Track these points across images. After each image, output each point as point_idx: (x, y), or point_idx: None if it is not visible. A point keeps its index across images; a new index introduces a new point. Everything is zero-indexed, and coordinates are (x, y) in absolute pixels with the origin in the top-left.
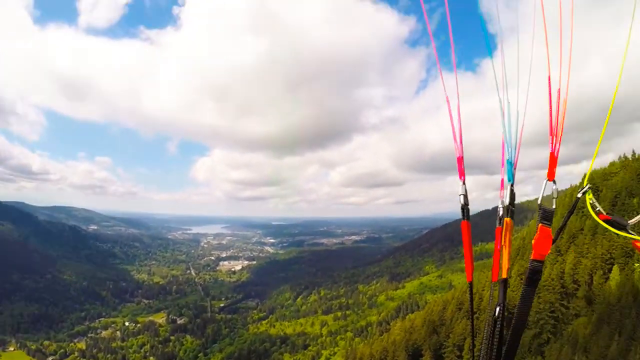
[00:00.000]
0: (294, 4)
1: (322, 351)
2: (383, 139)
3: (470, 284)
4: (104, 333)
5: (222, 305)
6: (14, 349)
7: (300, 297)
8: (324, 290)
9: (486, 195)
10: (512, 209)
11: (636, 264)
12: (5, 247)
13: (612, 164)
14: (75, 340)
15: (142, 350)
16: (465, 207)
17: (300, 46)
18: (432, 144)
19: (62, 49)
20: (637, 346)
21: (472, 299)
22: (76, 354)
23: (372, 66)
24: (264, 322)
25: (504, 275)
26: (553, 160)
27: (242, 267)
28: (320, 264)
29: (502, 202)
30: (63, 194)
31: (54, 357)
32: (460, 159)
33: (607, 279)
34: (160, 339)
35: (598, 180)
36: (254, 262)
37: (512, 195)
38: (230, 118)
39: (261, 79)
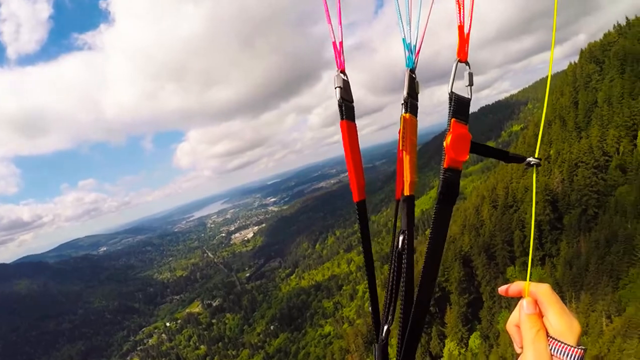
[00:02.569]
0: None
1: (357, 287)
2: (352, 68)
3: (359, 205)
4: (151, 341)
5: (247, 275)
6: None
7: (318, 243)
8: (339, 231)
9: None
10: (413, 101)
11: None
12: (30, 302)
13: (607, 34)
14: (128, 358)
15: (190, 343)
16: (343, 104)
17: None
18: (401, 61)
19: (2, 90)
20: None
21: (363, 225)
22: None
23: None
24: (292, 277)
25: (408, 192)
26: (462, 36)
27: (254, 233)
28: (326, 207)
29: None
30: (63, 231)
31: None
32: (339, 44)
33: (635, 145)
34: (204, 326)
35: (598, 54)
36: (264, 225)
37: (412, 83)
38: (195, 94)
39: (213, 43)
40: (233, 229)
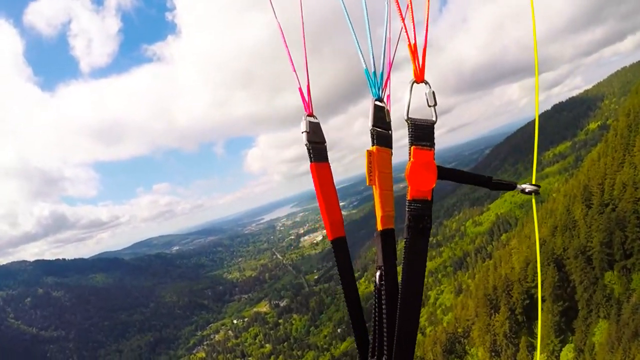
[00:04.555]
0: None
1: (429, 293)
2: None
3: (336, 242)
4: (218, 336)
5: (316, 277)
6: None
7: None
8: None
9: (539, 97)
10: (381, 132)
11: None
12: (104, 294)
13: None
14: (194, 352)
15: (256, 341)
16: (310, 147)
17: (310, 2)
18: (469, 59)
19: (79, 102)
20: None
21: (341, 263)
22: None
23: None
24: (361, 281)
25: (380, 227)
26: (415, 55)
27: (323, 236)
28: (396, 211)
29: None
30: (138, 231)
31: None
32: (306, 88)
33: None
34: (270, 325)
35: None
36: None
37: (378, 113)
38: (264, 100)
39: (279, 50)
40: (302, 232)
